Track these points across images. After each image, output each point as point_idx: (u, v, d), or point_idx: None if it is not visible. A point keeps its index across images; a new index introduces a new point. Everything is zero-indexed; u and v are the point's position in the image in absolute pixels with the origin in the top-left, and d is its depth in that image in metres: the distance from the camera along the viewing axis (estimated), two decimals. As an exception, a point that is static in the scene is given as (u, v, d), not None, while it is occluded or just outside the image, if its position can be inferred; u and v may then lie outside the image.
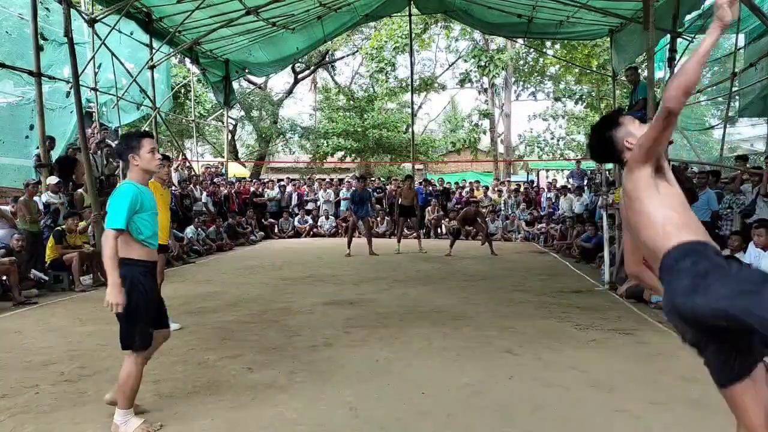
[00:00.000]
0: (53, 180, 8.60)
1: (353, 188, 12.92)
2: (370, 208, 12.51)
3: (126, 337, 3.05)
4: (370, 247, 11.54)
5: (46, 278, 7.73)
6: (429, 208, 15.81)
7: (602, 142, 2.22)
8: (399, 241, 12.20)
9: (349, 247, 11.44)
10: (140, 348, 3.06)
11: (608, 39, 13.48)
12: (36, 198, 8.22)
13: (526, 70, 24.67)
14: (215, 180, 15.72)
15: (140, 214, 3.06)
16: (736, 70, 10.64)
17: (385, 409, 3.41)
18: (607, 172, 8.92)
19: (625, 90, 16.80)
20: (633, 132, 2.12)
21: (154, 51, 11.70)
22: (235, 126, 27.63)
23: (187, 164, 15.44)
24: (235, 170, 22.61)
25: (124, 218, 2.95)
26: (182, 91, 19.16)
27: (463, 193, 16.40)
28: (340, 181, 19.27)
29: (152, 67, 11.89)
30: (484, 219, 12.65)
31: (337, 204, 16.81)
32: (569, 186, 15.44)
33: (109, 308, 2.89)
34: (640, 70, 10.09)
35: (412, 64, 18.51)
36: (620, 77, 14.56)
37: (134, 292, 2.98)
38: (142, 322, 3.05)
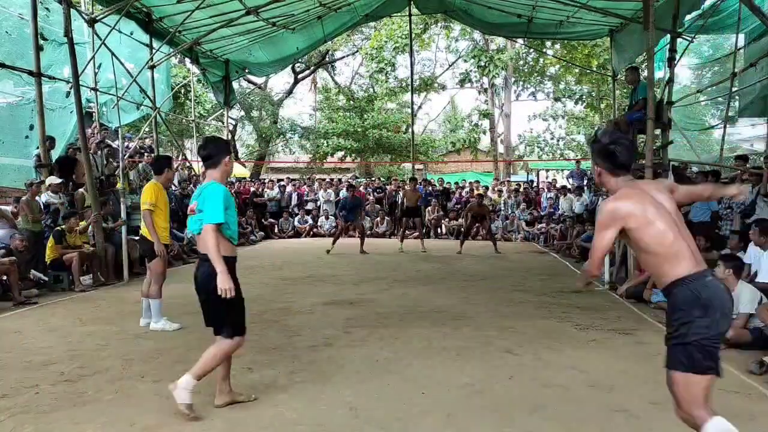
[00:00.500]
0: (56, 180, 8.59)
1: (344, 197, 13.18)
2: (361, 214, 13.01)
3: (218, 324, 3.38)
4: (362, 246, 11.87)
5: (46, 279, 7.72)
6: (429, 208, 15.82)
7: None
8: (402, 241, 12.34)
9: (333, 245, 11.77)
10: (230, 336, 3.35)
11: (608, 39, 13.47)
12: (36, 198, 8.22)
13: (526, 70, 24.64)
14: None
15: (228, 211, 3.31)
16: (736, 70, 10.62)
17: (385, 409, 3.42)
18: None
19: (625, 90, 16.78)
20: None
21: (154, 51, 11.69)
22: (235, 126, 27.60)
23: (188, 164, 15.43)
24: (235, 170, 22.58)
25: (222, 212, 3.23)
26: (182, 91, 19.15)
27: (463, 193, 16.39)
28: (340, 180, 19.29)
29: (152, 67, 11.87)
30: (489, 214, 12.86)
31: (337, 204, 16.81)
32: (569, 186, 15.43)
33: (223, 294, 3.18)
34: (640, 70, 10.07)
35: (412, 64, 18.50)
36: (620, 77, 14.55)
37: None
38: (235, 313, 3.35)
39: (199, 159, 3.67)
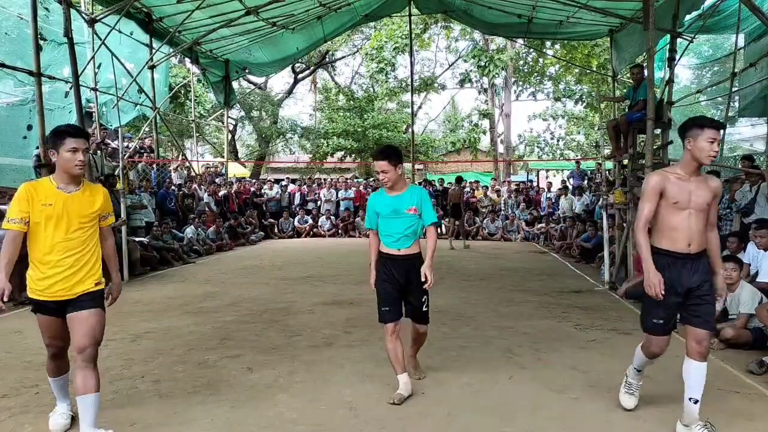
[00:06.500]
0: None
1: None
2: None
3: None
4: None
5: None
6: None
7: None
8: (454, 238, 13.51)
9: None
10: (382, 321, 3.72)
11: (608, 39, 13.47)
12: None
13: (525, 70, 24.62)
14: (215, 180, 15.72)
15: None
16: (736, 70, 10.62)
17: (385, 409, 3.42)
18: (607, 172, 8.91)
19: (625, 90, 16.77)
20: None
21: (154, 51, 11.69)
22: (235, 126, 27.59)
23: (187, 164, 15.44)
24: (235, 170, 22.60)
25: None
26: (182, 91, 19.15)
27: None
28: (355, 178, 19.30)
29: (152, 67, 11.87)
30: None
31: (338, 204, 16.88)
32: (568, 185, 15.42)
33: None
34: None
35: (412, 64, 18.49)
36: (620, 77, 14.53)
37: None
38: (379, 303, 3.74)
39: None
